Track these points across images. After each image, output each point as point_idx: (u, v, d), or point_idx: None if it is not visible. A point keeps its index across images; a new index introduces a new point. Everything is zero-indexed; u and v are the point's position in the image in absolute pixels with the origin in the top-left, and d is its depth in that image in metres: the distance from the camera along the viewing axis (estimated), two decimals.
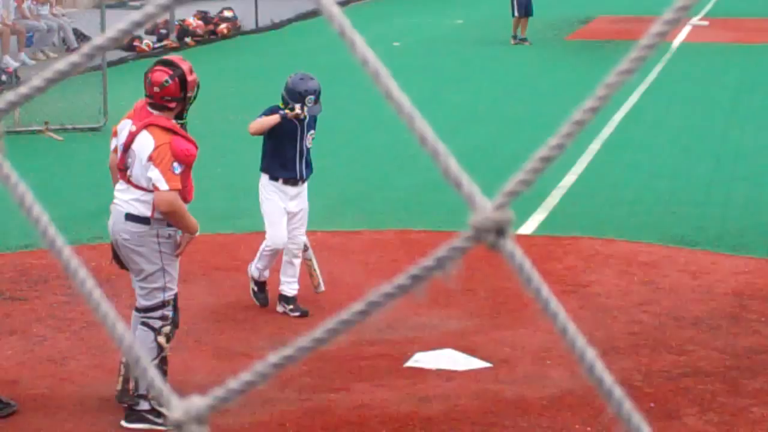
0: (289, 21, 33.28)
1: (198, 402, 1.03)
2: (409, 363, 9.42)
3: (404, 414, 8.49)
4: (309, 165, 10.33)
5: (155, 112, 8.23)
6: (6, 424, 8.35)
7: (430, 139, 1.03)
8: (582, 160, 16.11)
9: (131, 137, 8.16)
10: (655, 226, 13.20)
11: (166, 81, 8.22)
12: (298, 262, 10.30)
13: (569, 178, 15.06)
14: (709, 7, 36.15)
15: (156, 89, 8.22)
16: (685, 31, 30.93)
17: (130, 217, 8.13)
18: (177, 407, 1.02)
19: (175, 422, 1.02)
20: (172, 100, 8.25)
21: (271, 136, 10.17)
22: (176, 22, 28.87)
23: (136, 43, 27.16)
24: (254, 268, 10.44)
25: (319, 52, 27.95)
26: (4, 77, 20.87)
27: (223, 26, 30.09)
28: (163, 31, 28.86)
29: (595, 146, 17.03)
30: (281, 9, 33.75)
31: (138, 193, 8.15)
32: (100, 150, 16.31)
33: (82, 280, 1.04)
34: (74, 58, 1.07)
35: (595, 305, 10.50)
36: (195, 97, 8.45)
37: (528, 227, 12.92)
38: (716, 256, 12.13)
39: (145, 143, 8.12)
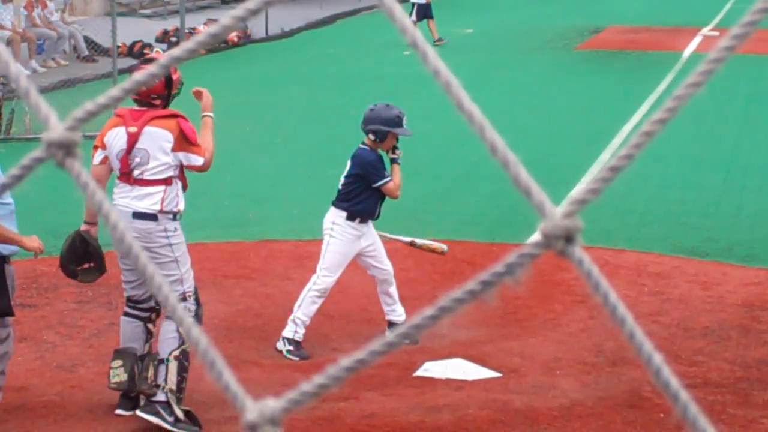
0: (300, 29, 33.34)
1: (272, 404, 1.04)
2: (419, 372, 9.42)
3: (413, 423, 8.49)
4: None
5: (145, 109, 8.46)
6: (16, 431, 8.36)
7: (500, 148, 1.04)
8: (592, 170, 16.10)
9: (134, 138, 8.28)
10: (665, 236, 13.19)
11: None
12: (392, 289, 10.06)
13: (579, 188, 15.04)
14: (719, 17, 36.15)
15: (143, 87, 8.31)
16: (696, 41, 30.93)
17: (137, 215, 8.22)
18: (252, 409, 1.03)
19: (250, 424, 1.03)
20: (157, 97, 8.45)
21: (371, 174, 9.88)
22: (187, 30, 28.92)
23: (146, 51, 27.22)
24: (293, 323, 9.83)
25: (329, 61, 28.00)
26: (14, 85, 20.90)
27: (233, 34, 30.16)
28: (174, 39, 28.93)
29: (604, 156, 17.03)
30: (291, 18, 33.81)
31: (147, 189, 8.26)
32: None
33: (159, 285, 1.05)
34: (153, 68, 1.08)
35: (605, 315, 10.47)
36: (177, 94, 8.67)
37: (537, 236, 12.91)
38: (726, 267, 12.11)
39: (160, 136, 8.32)
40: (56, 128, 1.01)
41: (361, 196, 9.86)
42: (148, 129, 8.30)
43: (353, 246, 9.86)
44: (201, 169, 8.45)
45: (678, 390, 1.03)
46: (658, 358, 1.03)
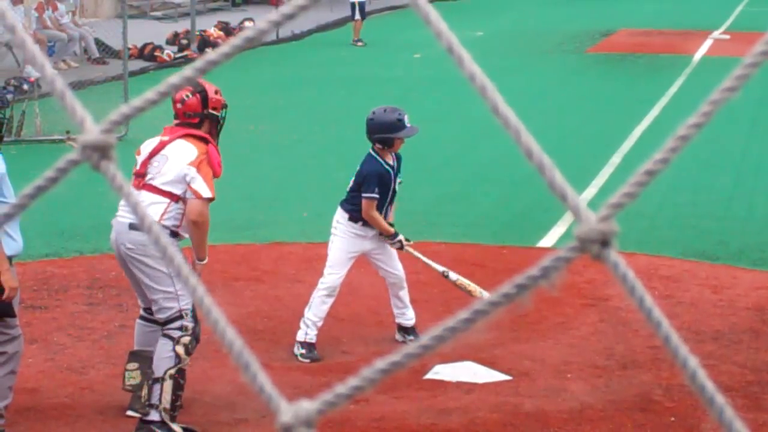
0: (310, 32, 33.36)
1: (307, 406, 1.04)
2: (429, 375, 9.41)
3: (424, 426, 8.49)
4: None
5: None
6: None
7: (536, 152, 1.04)
8: (603, 173, 16.09)
9: (162, 145, 8.35)
10: (675, 240, 13.18)
11: (187, 95, 8.51)
12: (403, 293, 10.04)
13: (590, 191, 15.04)
14: (730, 21, 36.10)
15: (178, 105, 8.56)
16: (707, 44, 30.90)
17: (133, 227, 8.18)
18: (286, 411, 1.03)
19: (285, 425, 1.03)
20: (194, 115, 8.46)
21: (364, 183, 9.83)
22: (197, 33, 28.95)
23: (157, 53, 27.26)
24: (304, 324, 9.85)
25: (340, 63, 28.02)
26: (26, 86, 20.96)
27: None
28: (184, 42, 28.95)
29: (615, 159, 17.02)
30: (302, 20, 33.82)
31: (151, 197, 8.23)
32: (122, 160, 16.30)
33: (194, 286, 1.05)
34: (188, 71, 1.08)
35: (616, 319, 10.48)
36: (224, 120, 8.66)
37: (549, 240, 12.91)
38: (737, 270, 12.09)
39: (184, 149, 8.31)
40: (92, 131, 1.01)
41: (358, 197, 9.87)
42: (178, 141, 8.36)
43: (356, 245, 9.86)
44: (198, 202, 8.21)
45: (714, 393, 1.02)
46: (693, 362, 1.03)
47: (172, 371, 8.20)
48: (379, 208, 9.85)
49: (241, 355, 1.04)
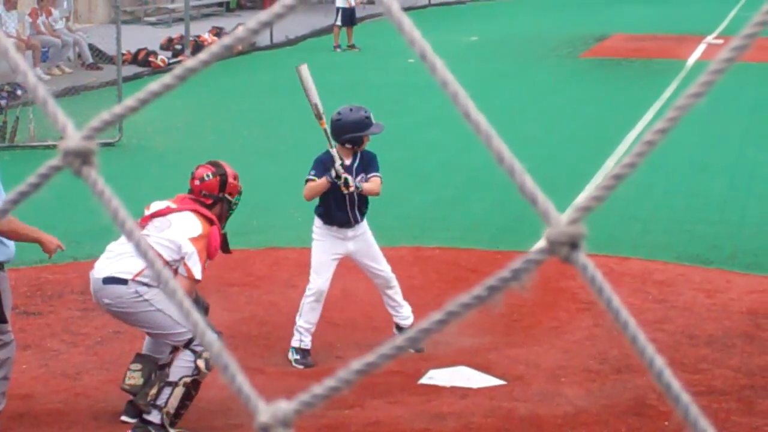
0: (304, 37, 33.39)
1: (284, 406, 1.05)
2: (423, 380, 9.42)
3: (418, 431, 8.49)
4: (364, 205, 9.90)
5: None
6: None
7: (507, 157, 1.05)
8: (597, 177, 16.11)
9: (169, 210, 8.48)
10: (669, 244, 13.19)
11: (207, 176, 8.67)
12: (392, 292, 10.03)
13: (583, 196, 15.05)
14: (723, 26, 36.17)
15: (197, 182, 8.72)
16: (700, 49, 30.95)
17: (108, 281, 8.19)
18: (264, 411, 1.04)
19: (263, 426, 1.04)
20: (209, 195, 8.62)
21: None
22: (191, 38, 28.96)
23: (151, 59, 27.27)
24: (297, 332, 9.86)
25: (334, 68, 28.04)
26: (19, 92, 20.95)
27: None
28: (178, 47, 28.97)
29: (609, 163, 17.04)
30: (296, 25, 33.86)
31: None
32: (115, 165, 16.36)
33: (173, 290, 1.06)
34: (167, 79, 1.08)
35: (610, 323, 10.47)
36: (236, 206, 8.81)
37: (542, 244, 12.91)
38: (731, 274, 12.11)
39: (190, 222, 8.41)
40: (73, 137, 1.02)
41: (320, 200, 9.89)
42: (187, 212, 8.47)
43: (336, 246, 9.83)
44: (188, 282, 8.27)
45: (679, 392, 1.04)
46: (659, 362, 1.04)
47: (188, 380, 8.25)
48: (337, 209, 9.79)
49: (219, 356, 1.05)
